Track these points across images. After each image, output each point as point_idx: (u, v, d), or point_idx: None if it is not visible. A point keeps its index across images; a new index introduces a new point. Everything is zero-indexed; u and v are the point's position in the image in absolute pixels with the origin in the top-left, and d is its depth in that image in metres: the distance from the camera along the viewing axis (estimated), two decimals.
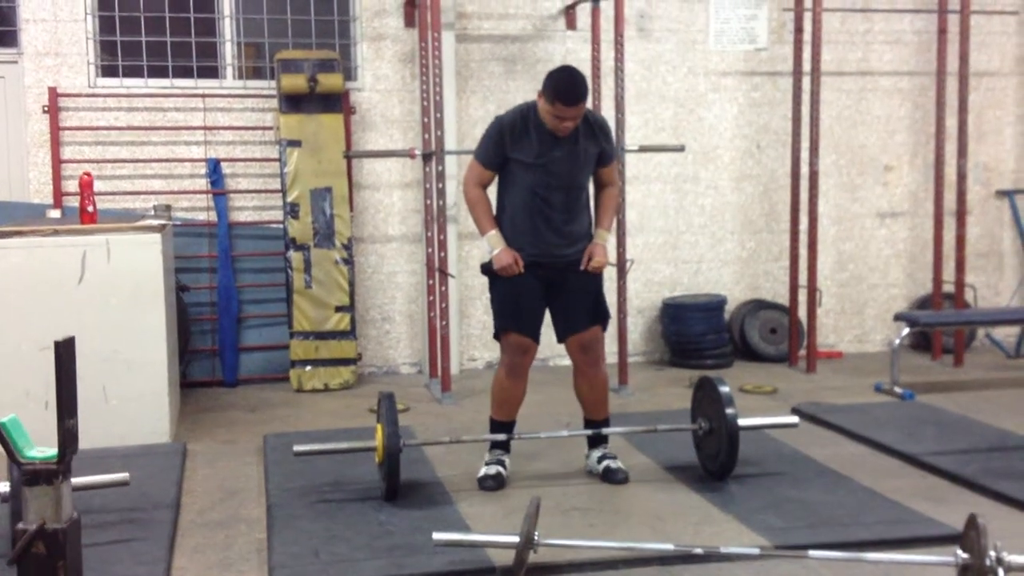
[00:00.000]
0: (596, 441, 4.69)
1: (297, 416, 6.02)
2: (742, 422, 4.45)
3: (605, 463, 4.59)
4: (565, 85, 4.23)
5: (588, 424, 4.70)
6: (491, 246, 4.43)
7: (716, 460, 4.50)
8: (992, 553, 3.11)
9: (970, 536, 3.15)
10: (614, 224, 4.64)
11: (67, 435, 2.64)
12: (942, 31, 7.34)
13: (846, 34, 7.63)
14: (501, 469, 4.54)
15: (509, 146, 4.37)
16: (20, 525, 2.67)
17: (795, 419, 4.90)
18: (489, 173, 4.47)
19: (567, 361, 7.03)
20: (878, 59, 7.71)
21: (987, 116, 7.88)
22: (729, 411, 4.40)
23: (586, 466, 4.71)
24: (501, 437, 4.58)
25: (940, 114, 7.35)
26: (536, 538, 3.35)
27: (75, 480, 3.02)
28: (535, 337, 4.53)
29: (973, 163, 7.62)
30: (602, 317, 4.59)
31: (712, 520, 4.04)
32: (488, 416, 4.68)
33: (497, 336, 4.59)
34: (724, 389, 4.50)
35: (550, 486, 4.50)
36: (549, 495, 4.25)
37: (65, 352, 2.62)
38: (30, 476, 2.65)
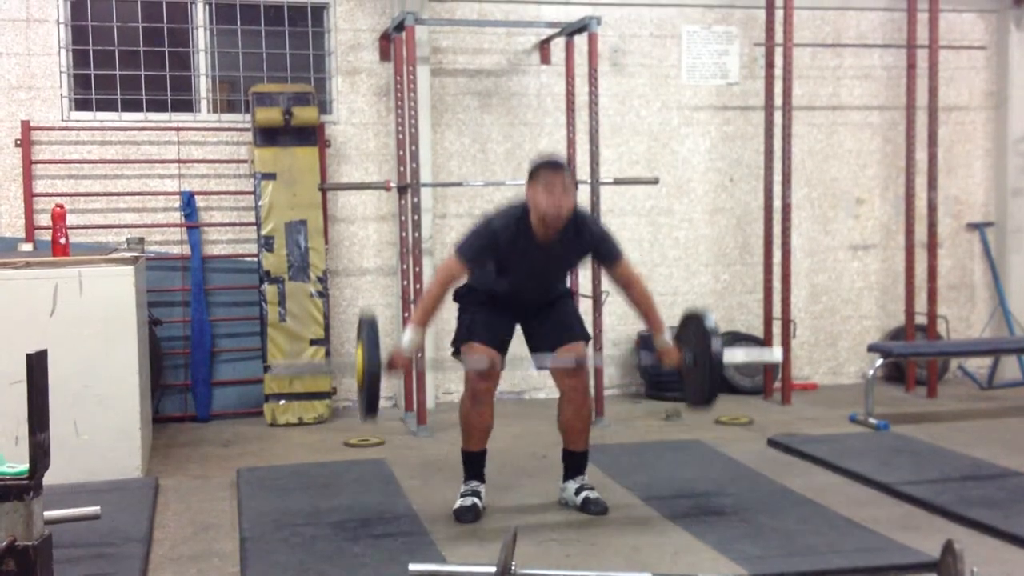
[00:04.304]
0: (573, 471, 4.65)
1: (271, 450, 5.97)
2: (727, 357, 4.39)
3: (583, 494, 4.56)
4: (544, 157, 4.49)
5: (566, 455, 4.66)
6: (405, 337, 4.29)
7: (701, 393, 4.46)
8: None
9: (947, 561, 3.15)
10: (664, 324, 4.55)
11: (38, 449, 2.59)
12: (911, 66, 7.45)
13: (817, 69, 7.73)
14: (477, 501, 4.50)
15: (494, 251, 4.33)
16: None
17: (778, 353, 4.82)
18: (465, 271, 4.33)
19: (542, 394, 7.09)
20: (848, 94, 7.81)
21: (957, 150, 7.99)
22: (715, 344, 4.32)
23: (561, 498, 4.67)
24: (476, 467, 4.56)
25: (910, 148, 7.44)
26: (513, 568, 3.32)
27: (46, 513, 2.97)
28: (499, 349, 4.44)
29: (943, 196, 7.70)
30: (579, 333, 4.57)
31: (689, 549, 4.03)
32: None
33: (456, 352, 4.52)
34: (710, 324, 4.42)
35: (526, 516, 4.47)
36: (526, 525, 4.23)
37: (37, 365, 2.58)
38: (0, 492, 2.60)
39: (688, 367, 4.49)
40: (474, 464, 4.60)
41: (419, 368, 6.27)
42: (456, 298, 4.59)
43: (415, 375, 6.33)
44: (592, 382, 6.43)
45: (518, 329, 4.61)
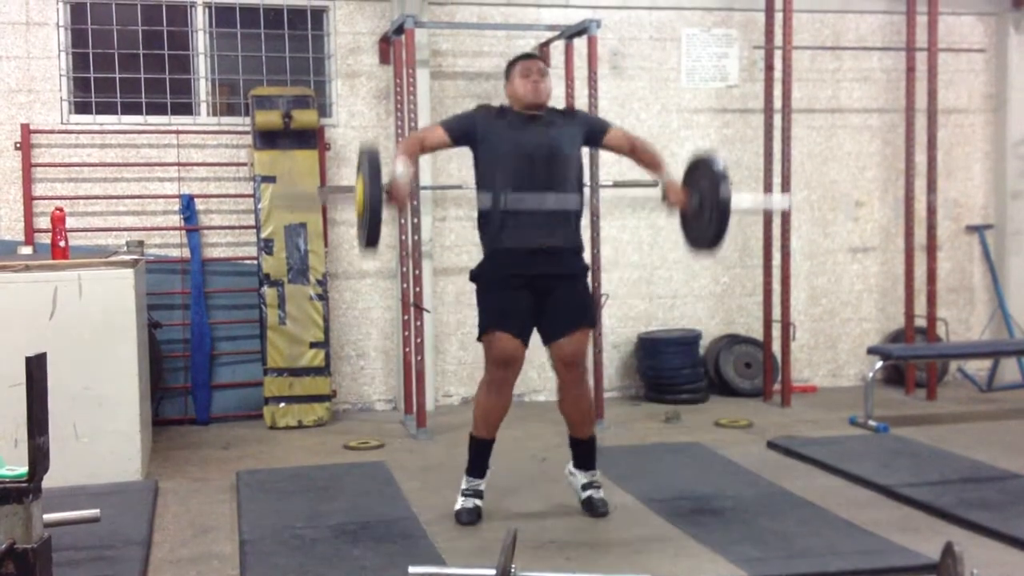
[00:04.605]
0: (581, 462, 4.61)
1: (271, 453, 5.96)
2: (734, 202, 4.28)
3: (589, 493, 4.55)
4: (518, 54, 4.64)
5: (573, 442, 4.62)
6: (398, 169, 4.26)
7: (704, 238, 4.40)
8: None
9: (947, 564, 3.15)
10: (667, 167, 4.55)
11: (38, 452, 2.59)
12: (910, 69, 7.45)
13: (816, 72, 7.73)
14: (478, 502, 4.48)
15: (481, 126, 4.40)
16: None
17: (787, 199, 4.74)
18: (439, 135, 4.43)
19: (542, 397, 7.09)
20: (848, 96, 7.81)
21: (956, 152, 7.99)
22: (723, 188, 4.22)
23: (567, 479, 4.67)
24: (482, 458, 4.52)
25: (910, 150, 7.44)
26: (513, 571, 3.32)
27: (45, 516, 2.98)
28: (522, 339, 4.39)
29: (943, 199, 7.70)
30: (588, 320, 4.54)
31: (689, 552, 4.03)
32: (465, 446, 4.62)
33: (481, 337, 4.46)
34: (719, 167, 4.33)
35: (526, 519, 4.47)
36: (525, 528, 4.22)
37: (36, 368, 2.58)
38: None
39: (694, 209, 4.40)
40: (481, 454, 4.54)
41: (419, 370, 6.29)
42: (472, 278, 4.54)
43: (414, 376, 6.33)
44: (592, 383, 6.45)
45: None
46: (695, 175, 4.42)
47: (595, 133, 4.54)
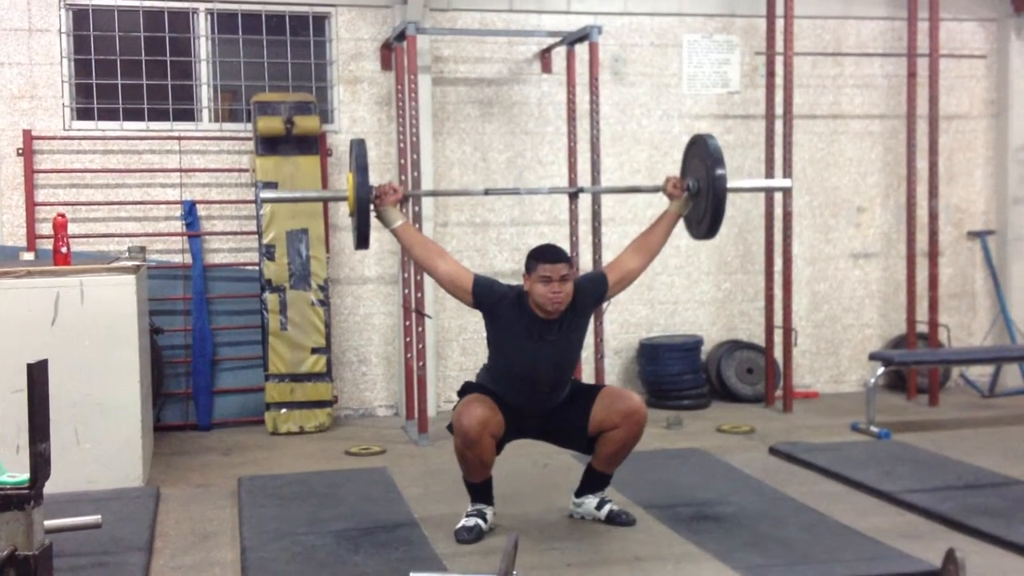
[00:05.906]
0: (595, 487, 4.55)
1: (272, 459, 5.96)
2: (732, 184, 4.28)
3: (608, 507, 4.51)
4: (542, 247, 4.34)
5: (594, 473, 4.52)
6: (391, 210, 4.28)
7: (701, 225, 4.40)
8: None
9: (949, 570, 3.15)
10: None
11: (39, 459, 2.60)
12: (912, 75, 7.45)
13: (817, 78, 7.74)
14: (480, 522, 4.34)
15: (498, 304, 4.28)
16: None
17: (788, 182, 4.78)
18: (466, 279, 4.26)
19: None
20: (849, 102, 7.82)
21: (957, 158, 7.99)
22: (719, 171, 4.20)
23: (576, 512, 4.58)
24: (482, 494, 4.41)
25: (911, 156, 7.44)
26: None
27: (47, 522, 2.98)
28: (496, 414, 4.25)
29: (944, 205, 7.70)
30: (595, 388, 4.54)
31: (691, 558, 4.02)
32: None
33: (454, 410, 4.34)
34: (713, 143, 4.29)
35: (528, 525, 4.46)
36: (527, 534, 4.23)
37: (38, 375, 2.59)
38: (1, 501, 2.60)
39: (691, 194, 4.40)
40: (479, 492, 4.43)
41: (420, 376, 6.29)
42: (460, 393, 4.49)
43: (416, 382, 6.33)
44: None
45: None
46: (688, 156, 4.50)
47: (601, 295, 4.42)
